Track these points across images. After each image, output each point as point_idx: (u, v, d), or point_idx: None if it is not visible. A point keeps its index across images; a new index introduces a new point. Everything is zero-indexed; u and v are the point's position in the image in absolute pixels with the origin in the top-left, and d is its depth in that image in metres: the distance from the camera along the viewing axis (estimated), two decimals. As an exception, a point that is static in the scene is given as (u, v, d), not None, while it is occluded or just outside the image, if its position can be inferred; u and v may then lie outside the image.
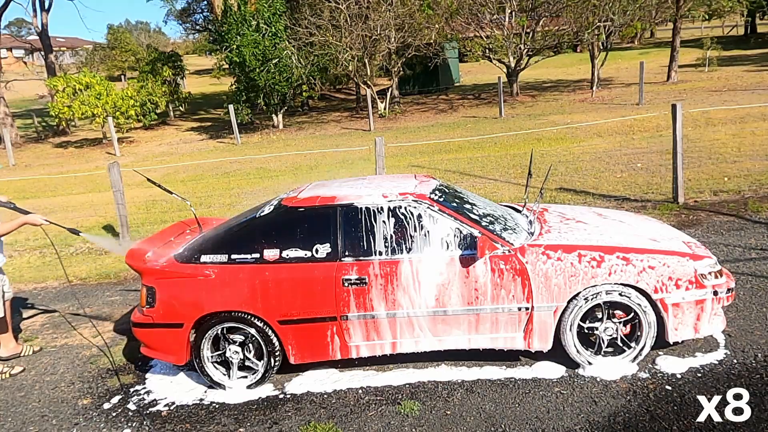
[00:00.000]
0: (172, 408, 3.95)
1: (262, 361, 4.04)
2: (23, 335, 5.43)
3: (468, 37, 21.35)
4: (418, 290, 3.83)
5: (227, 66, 20.92)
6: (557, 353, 3.91)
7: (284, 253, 3.93)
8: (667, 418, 3.35)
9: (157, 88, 23.15)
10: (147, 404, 4.02)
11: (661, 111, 13.52)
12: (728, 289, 3.87)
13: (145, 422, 3.80)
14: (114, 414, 3.94)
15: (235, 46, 19.01)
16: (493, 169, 10.27)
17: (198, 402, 3.99)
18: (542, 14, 20.01)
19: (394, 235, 3.91)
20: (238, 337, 4.05)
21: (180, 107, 26.57)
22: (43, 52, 27.30)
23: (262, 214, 4.16)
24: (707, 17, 29.88)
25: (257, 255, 3.95)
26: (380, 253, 3.89)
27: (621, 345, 3.88)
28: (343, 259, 3.90)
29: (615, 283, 3.73)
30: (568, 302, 3.77)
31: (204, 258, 4.00)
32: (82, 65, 38.37)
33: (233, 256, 3.97)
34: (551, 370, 3.91)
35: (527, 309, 3.80)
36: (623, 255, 3.77)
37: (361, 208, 4.00)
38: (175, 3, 46.76)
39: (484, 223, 3.99)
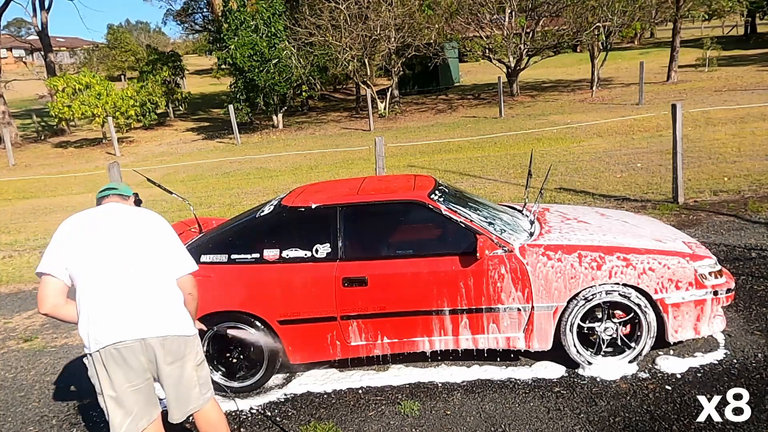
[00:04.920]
0: (172, 408, 3.94)
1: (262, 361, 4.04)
2: (23, 335, 5.43)
3: (468, 37, 21.35)
4: (417, 291, 3.83)
5: (227, 66, 20.93)
6: (557, 353, 3.91)
7: (284, 253, 3.92)
8: (667, 418, 3.35)
9: (157, 88, 23.16)
10: (147, 404, 4.01)
11: (661, 111, 13.53)
12: (728, 290, 3.87)
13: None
14: (114, 414, 3.93)
15: (233, 47, 19.00)
16: (493, 169, 10.27)
17: (198, 402, 3.98)
18: (542, 14, 20.01)
19: (393, 236, 3.90)
20: (238, 337, 4.04)
21: (180, 107, 26.58)
22: (42, 52, 27.31)
23: (261, 214, 4.16)
24: (707, 17, 29.95)
25: (257, 255, 3.94)
26: (380, 253, 3.88)
27: (621, 345, 3.87)
28: (343, 259, 3.90)
29: (615, 284, 3.73)
30: (568, 302, 3.77)
31: (204, 258, 4.00)
32: (81, 65, 38.39)
33: (233, 256, 3.97)
34: (551, 370, 3.91)
35: (527, 309, 3.80)
36: (623, 256, 3.77)
37: (360, 208, 4.00)
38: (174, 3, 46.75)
39: (483, 224, 3.98)
